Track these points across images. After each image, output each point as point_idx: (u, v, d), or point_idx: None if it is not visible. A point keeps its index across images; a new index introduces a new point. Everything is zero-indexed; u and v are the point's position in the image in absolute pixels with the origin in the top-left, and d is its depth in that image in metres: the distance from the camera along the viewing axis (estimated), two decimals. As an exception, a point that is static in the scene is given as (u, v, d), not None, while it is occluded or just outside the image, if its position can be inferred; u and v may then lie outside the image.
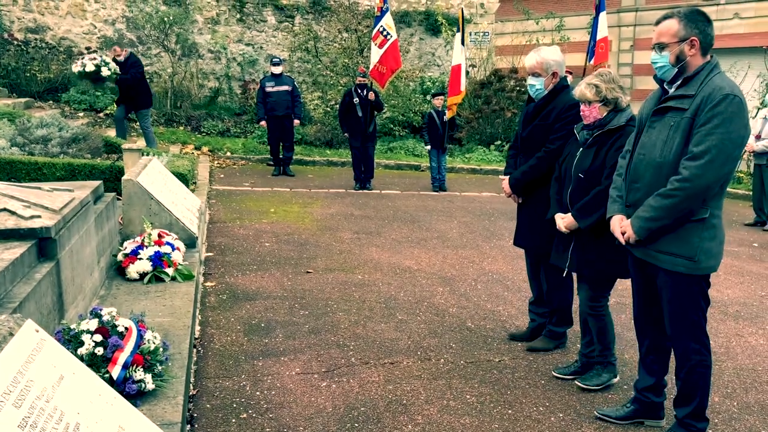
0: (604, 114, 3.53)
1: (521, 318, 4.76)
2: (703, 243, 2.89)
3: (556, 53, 4.02)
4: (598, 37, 12.08)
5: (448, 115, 10.45)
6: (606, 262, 3.54)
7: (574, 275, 3.83)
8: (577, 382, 3.71)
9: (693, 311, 2.97)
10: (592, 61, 12.08)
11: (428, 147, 10.65)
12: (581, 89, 3.55)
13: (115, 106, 11.61)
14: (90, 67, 12.62)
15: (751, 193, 9.78)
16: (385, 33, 9.94)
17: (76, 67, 12.74)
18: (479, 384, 3.72)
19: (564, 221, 3.65)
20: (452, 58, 10.78)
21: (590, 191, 3.52)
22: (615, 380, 3.74)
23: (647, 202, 2.95)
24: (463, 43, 10.82)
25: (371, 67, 10.08)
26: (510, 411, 3.42)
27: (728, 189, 11.38)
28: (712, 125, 2.78)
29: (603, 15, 12.08)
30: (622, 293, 5.24)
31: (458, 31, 10.95)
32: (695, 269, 2.91)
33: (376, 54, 9.99)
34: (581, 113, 3.60)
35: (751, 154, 9.27)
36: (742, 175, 12.06)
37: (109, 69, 12.45)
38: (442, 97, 10.73)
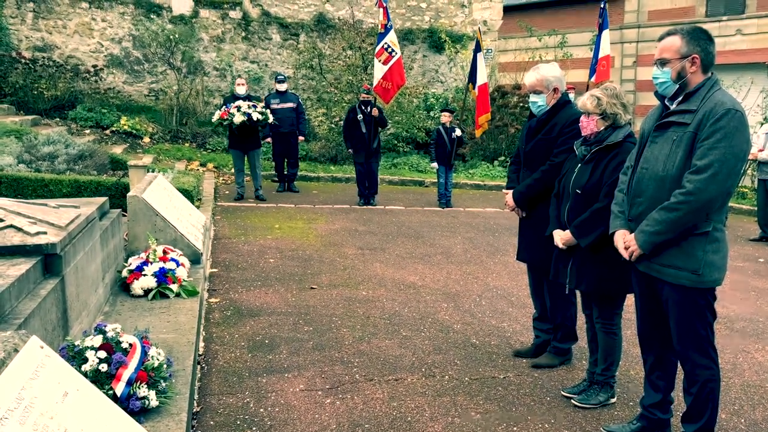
0: (602, 128, 3.54)
1: (526, 334, 4.74)
2: (707, 256, 2.89)
3: (554, 70, 4.08)
4: (600, 55, 12.14)
5: (477, 132, 10.60)
6: (611, 279, 3.52)
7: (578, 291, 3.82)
8: (573, 401, 3.69)
9: (700, 325, 2.96)
10: (593, 79, 12.14)
11: (434, 164, 10.65)
12: (583, 99, 3.58)
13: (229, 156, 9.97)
14: (239, 118, 9.50)
15: (756, 208, 9.75)
16: (389, 50, 10.02)
17: (216, 118, 9.81)
18: (484, 401, 3.70)
19: (562, 237, 3.65)
20: (478, 78, 10.87)
21: (588, 208, 3.52)
22: (612, 400, 3.70)
23: (651, 215, 2.96)
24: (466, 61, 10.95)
25: (375, 83, 10.14)
26: (515, 428, 3.39)
27: (733, 204, 11.37)
28: (715, 140, 2.79)
29: (606, 33, 12.14)
30: (626, 309, 5.20)
31: (478, 50, 11.01)
32: (699, 282, 2.91)
33: (380, 70, 10.05)
34: (580, 124, 3.62)
35: (756, 170, 9.27)
36: (747, 190, 12.04)
37: (261, 114, 9.72)
38: (449, 113, 10.68)
